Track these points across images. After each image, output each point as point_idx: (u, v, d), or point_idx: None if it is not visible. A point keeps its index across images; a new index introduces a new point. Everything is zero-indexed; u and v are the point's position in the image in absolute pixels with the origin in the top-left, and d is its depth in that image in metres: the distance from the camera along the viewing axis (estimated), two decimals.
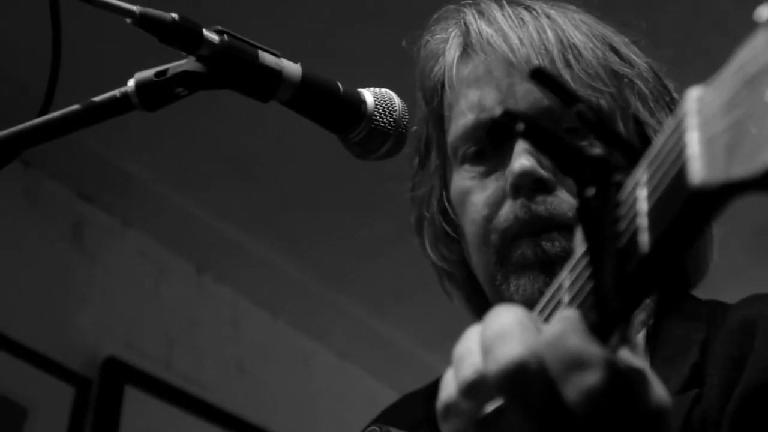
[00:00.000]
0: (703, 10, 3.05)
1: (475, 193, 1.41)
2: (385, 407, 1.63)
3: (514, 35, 1.42)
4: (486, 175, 1.41)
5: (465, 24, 1.49)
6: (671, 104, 1.48)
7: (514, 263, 1.34)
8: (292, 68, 1.25)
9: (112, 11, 1.17)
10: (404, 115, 1.32)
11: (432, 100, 1.51)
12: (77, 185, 3.61)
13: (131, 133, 3.33)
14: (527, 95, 1.38)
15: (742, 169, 0.58)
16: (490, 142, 1.39)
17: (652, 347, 1.27)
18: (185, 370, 3.71)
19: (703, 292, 1.42)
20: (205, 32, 1.20)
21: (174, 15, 1.18)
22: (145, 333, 3.66)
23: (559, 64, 1.39)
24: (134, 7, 1.16)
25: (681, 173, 0.63)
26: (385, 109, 1.31)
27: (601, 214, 0.71)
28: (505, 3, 1.49)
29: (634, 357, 0.74)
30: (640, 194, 0.68)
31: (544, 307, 0.80)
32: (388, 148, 1.32)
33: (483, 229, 1.38)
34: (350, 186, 3.58)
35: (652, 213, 0.66)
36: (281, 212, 3.73)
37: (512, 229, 1.34)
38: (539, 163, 1.33)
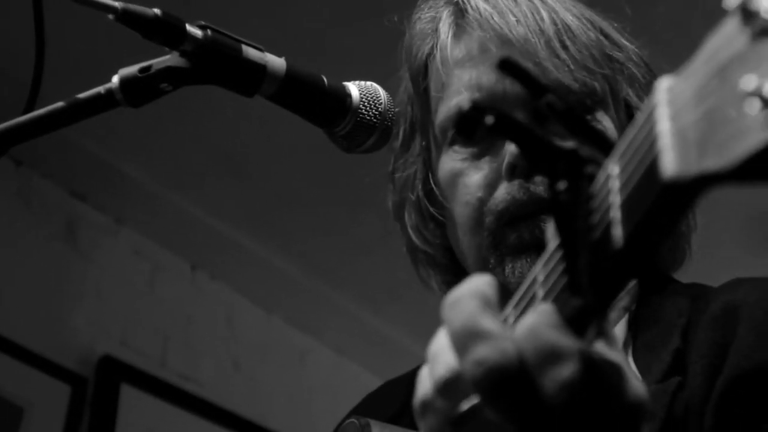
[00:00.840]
0: (697, 2, 3.05)
1: (468, 174, 1.37)
2: (365, 395, 1.62)
3: (509, 12, 1.38)
4: (478, 156, 1.37)
5: (459, 0, 1.45)
6: None
7: (509, 246, 1.31)
8: (277, 62, 1.25)
9: (95, 8, 1.16)
10: (390, 108, 1.32)
11: (419, 79, 1.47)
12: (70, 184, 3.61)
13: (124, 131, 3.33)
14: None
15: (715, 161, 0.57)
16: (458, 135, 1.37)
17: (634, 333, 1.26)
18: (181, 368, 3.71)
19: (697, 280, 1.41)
20: (188, 27, 1.20)
21: (156, 10, 1.18)
22: (141, 331, 3.65)
23: (556, 44, 1.36)
24: (116, 3, 1.16)
25: (653, 166, 0.63)
26: (371, 102, 1.31)
27: (573, 207, 0.70)
28: None
29: (610, 350, 0.73)
30: (612, 186, 0.68)
31: (519, 300, 0.79)
32: (374, 141, 1.32)
33: (477, 211, 1.35)
34: (343, 182, 3.57)
35: (625, 205, 0.66)
36: (275, 209, 3.73)
37: (508, 210, 1.31)
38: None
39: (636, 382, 0.74)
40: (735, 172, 0.57)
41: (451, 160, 1.40)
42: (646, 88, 1.44)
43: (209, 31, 1.21)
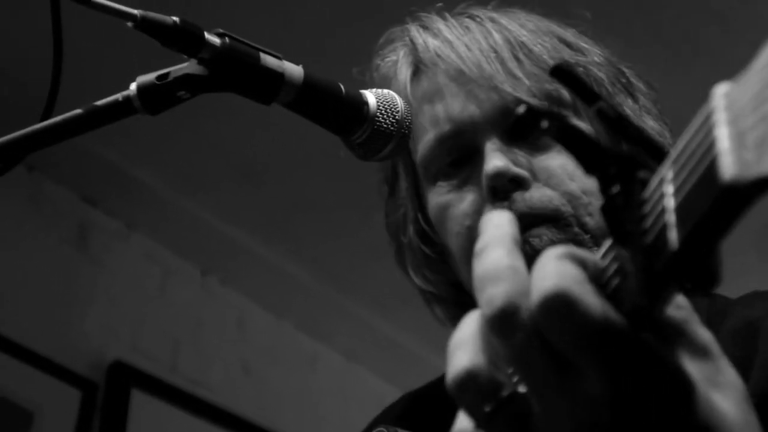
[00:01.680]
0: (703, 6, 3.04)
1: (454, 205, 1.40)
2: (385, 407, 1.62)
3: (461, 43, 1.42)
4: (461, 186, 1.40)
5: (411, 41, 1.49)
6: (628, 87, 1.47)
7: None
8: (294, 70, 1.25)
9: (114, 15, 1.16)
10: (407, 116, 1.32)
11: None
12: (82, 189, 3.61)
13: (135, 136, 3.33)
14: (488, 99, 1.39)
15: None
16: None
17: None
18: (191, 373, 3.72)
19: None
20: (207, 35, 1.19)
21: (175, 18, 1.18)
22: (151, 336, 3.66)
23: (511, 64, 1.38)
24: (135, 11, 1.16)
25: (710, 169, 0.62)
26: (388, 110, 1.30)
27: (626, 211, 0.70)
28: (447, 15, 1.50)
29: (681, 354, 0.71)
30: (666, 190, 0.67)
31: None
32: (391, 149, 1.31)
33: (467, 240, 1.37)
34: (355, 187, 3.57)
35: (680, 209, 0.65)
36: (285, 214, 3.73)
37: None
38: (513, 161, 1.34)
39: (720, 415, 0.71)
40: None
41: (437, 195, 1.43)
42: (614, 86, 1.45)
43: (227, 39, 1.21)
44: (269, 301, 4.03)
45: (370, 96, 1.31)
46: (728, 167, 0.60)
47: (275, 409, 3.92)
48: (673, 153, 0.68)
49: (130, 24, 1.17)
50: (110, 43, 2.87)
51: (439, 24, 1.47)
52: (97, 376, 3.43)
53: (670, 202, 0.66)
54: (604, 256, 0.73)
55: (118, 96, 1.21)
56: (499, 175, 1.33)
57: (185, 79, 1.20)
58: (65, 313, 3.45)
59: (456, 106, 1.41)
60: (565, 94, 1.39)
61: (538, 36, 1.44)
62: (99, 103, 1.21)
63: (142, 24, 1.17)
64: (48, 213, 3.52)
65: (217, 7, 2.97)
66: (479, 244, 0.76)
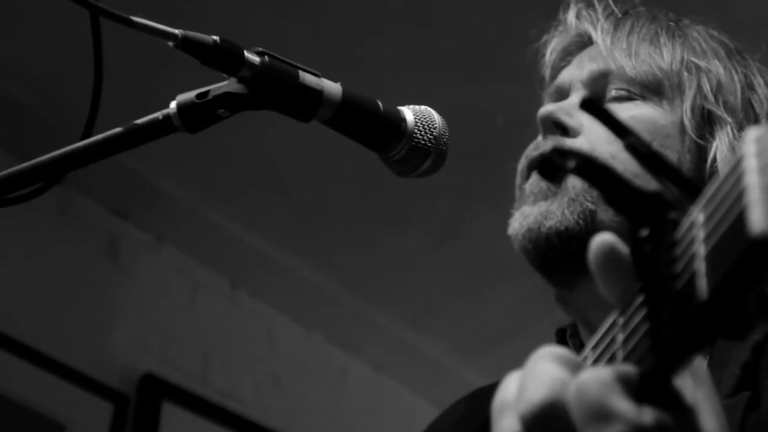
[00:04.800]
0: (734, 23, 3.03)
1: None
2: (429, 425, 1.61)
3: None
4: None
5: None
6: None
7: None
8: (333, 88, 1.26)
9: (154, 35, 1.17)
10: (444, 132, 1.32)
11: None
12: (111, 202, 3.63)
13: (165, 149, 3.32)
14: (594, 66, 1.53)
15: None
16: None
17: (710, 352, 1.24)
18: (221, 385, 3.72)
19: None
20: (246, 54, 1.20)
21: (215, 37, 1.19)
22: (182, 348, 3.67)
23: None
24: (176, 31, 1.17)
25: (740, 219, 0.61)
26: (425, 126, 1.31)
27: (655, 255, 0.68)
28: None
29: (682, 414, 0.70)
30: (697, 235, 0.66)
31: (596, 344, 0.78)
32: (429, 165, 1.31)
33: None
34: (383, 199, 3.58)
35: (710, 257, 0.63)
36: (315, 226, 3.73)
37: (523, 168, 1.48)
38: (567, 113, 1.44)
39: None
40: None
41: None
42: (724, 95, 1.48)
43: (267, 58, 1.21)
44: (299, 314, 4.04)
45: (408, 112, 1.31)
46: (757, 220, 0.59)
47: (305, 421, 3.92)
48: (705, 195, 0.67)
49: (171, 43, 1.18)
50: (151, 62, 2.89)
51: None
52: (128, 388, 3.44)
53: (701, 249, 0.65)
54: (633, 299, 0.72)
55: (158, 114, 1.22)
56: (544, 119, 1.46)
57: (225, 97, 1.21)
58: (96, 326, 3.47)
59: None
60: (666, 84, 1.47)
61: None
62: (139, 121, 1.23)
63: (183, 43, 1.17)
64: (78, 226, 3.54)
65: (256, 24, 2.98)
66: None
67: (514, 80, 1.66)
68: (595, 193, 1.35)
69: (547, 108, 1.46)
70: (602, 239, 0.74)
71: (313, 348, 4.09)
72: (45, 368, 3.23)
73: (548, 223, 1.37)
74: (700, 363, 0.73)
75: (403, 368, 4.25)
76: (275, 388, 3.90)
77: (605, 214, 1.36)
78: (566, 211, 1.37)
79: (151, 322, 3.62)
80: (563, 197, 1.38)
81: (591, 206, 1.37)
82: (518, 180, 1.48)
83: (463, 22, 3.04)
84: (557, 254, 1.37)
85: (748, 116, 1.45)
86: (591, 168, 0.72)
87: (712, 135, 1.42)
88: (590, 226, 1.36)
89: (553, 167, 0.72)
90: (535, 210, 1.39)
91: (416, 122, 1.30)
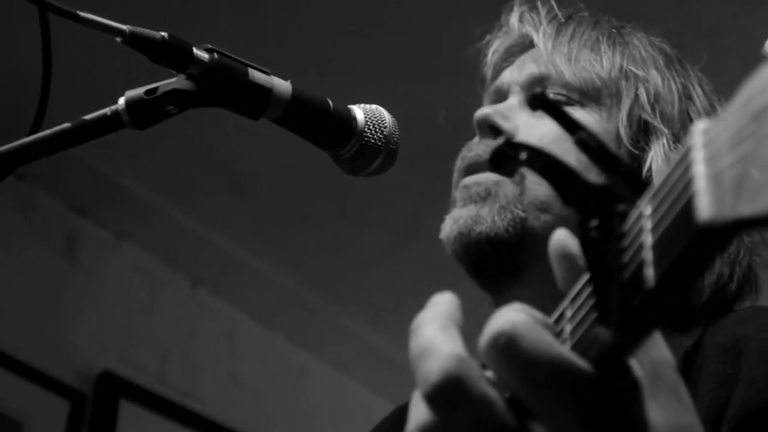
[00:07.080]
0: (694, 22, 3.05)
1: None
2: (377, 423, 1.61)
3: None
4: None
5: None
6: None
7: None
8: (282, 86, 1.26)
9: (102, 30, 1.17)
10: (394, 131, 1.32)
11: None
12: (71, 199, 3.61)
13: (125, 146, 3.33)
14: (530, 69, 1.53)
15: (750, 206, 0.57)
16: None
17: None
18: (180, 384, 3.71)
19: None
20: (195, 51, 1.20)
21: (164, 34, 1.18)
22: (140, 347, 3.65)
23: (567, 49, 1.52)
24: (124, 26, 1.17)
25: (687, 208, 0.62)
26: (376, 125, 1.31)
27: (604, 245, 0.69)
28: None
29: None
30: (644, 226, 0.67)
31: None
32: (379, 164, 1.32)
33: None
34: (345, 199, 3.58)
35: (657, 246, 0.65)
36: (276, 225, 3.73)
37: (460, 168, 1.48)
38: (503, 115, 1.45)
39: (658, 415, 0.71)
40: None
41: None
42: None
43: (216, 55, 1.21)
44: (259, 313, 4.03)
45: (358, 111, 1.31)
46: (704, 208, 0.60)
47: (265, 420, 3.92)
48: (653, 187, 0.68)
49: (118, 39, 1.18)
50: (99, 58, 2.87)
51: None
52: (85, 386, 3.42)
53: (648, 239, 0.66)
54: (582, 289, 0.73)
55: (107, 110, 1.22)
56: (481, 120, 1.46)
57: (173, 94, 1.20)
58: (54, 324, 3.44)
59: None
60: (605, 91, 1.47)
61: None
62: (87, 117, 1.22)
63: (131, 39, 1.17)
64: (37, 223, 3.52)
65: (206, 22, 2.97)
66: (414, 323, 0.77)
67: (475, 80, 1.67)
68: (525, 201, 1.38)
69: (484, 111, 1.46)
70: (557, 235, 0.76)
71: (274, 347, 4.09)
72: (1, 365, 3.20)
73: (478, 228, 1.38)
74: (669, 358, 0.74)
75: (364, 368, 4.25)
76: (235, 387, 3.90)
77: (536, 221, 1.37)
78: (496, 218, 1.37)
79: (109, 320, 3.60)
80: (494, 204, 1.38)
81: (521, 214, 1.37)
82: (455, 177, 1.49)
83: (420, 22, 3.04)
84: (487, 259, 1.39)
85: (685, 127, 1.45)
86: (542, 160, 0.73)
87: (648, 145, 1.42)
88: (520, 233, 1.37)
89: (505, 159, 0.73)
90: (464, 213, 1.39)
91: (366, 121, 1.30)
